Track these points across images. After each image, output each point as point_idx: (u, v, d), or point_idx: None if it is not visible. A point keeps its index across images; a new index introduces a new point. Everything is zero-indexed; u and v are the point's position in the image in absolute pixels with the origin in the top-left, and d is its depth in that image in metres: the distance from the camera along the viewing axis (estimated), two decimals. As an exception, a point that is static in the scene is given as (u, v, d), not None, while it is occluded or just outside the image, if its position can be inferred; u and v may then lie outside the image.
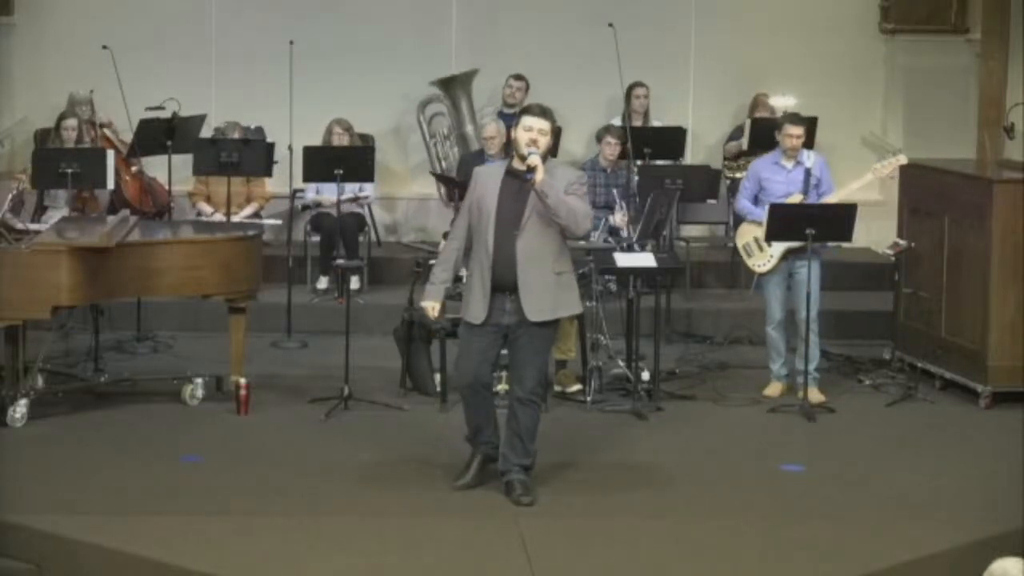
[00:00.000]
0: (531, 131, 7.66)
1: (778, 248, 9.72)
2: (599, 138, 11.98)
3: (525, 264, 7.60)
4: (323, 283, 11.91)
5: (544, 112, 7.75)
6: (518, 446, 7.75)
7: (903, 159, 9.92)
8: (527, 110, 7.82)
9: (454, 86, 12.82)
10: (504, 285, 7.63)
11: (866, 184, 10.02)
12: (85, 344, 10.15)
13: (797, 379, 9.70)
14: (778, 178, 9.87)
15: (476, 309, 7.67)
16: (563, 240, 7.72)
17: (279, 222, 11.95)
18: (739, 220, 12.25)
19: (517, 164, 7.71)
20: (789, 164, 9.89)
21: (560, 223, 7.61)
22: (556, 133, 12.14)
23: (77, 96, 12.24)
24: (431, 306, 7.87)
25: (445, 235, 10.22)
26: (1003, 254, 9.68)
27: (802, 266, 9.61)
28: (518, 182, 7.67)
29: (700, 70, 13.22)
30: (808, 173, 9.82)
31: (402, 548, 7.08)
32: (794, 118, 10.05)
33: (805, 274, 9.60)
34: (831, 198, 9.76)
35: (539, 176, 7.53)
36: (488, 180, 7.78)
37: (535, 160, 7.57)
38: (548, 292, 7.66)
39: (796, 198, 9.77)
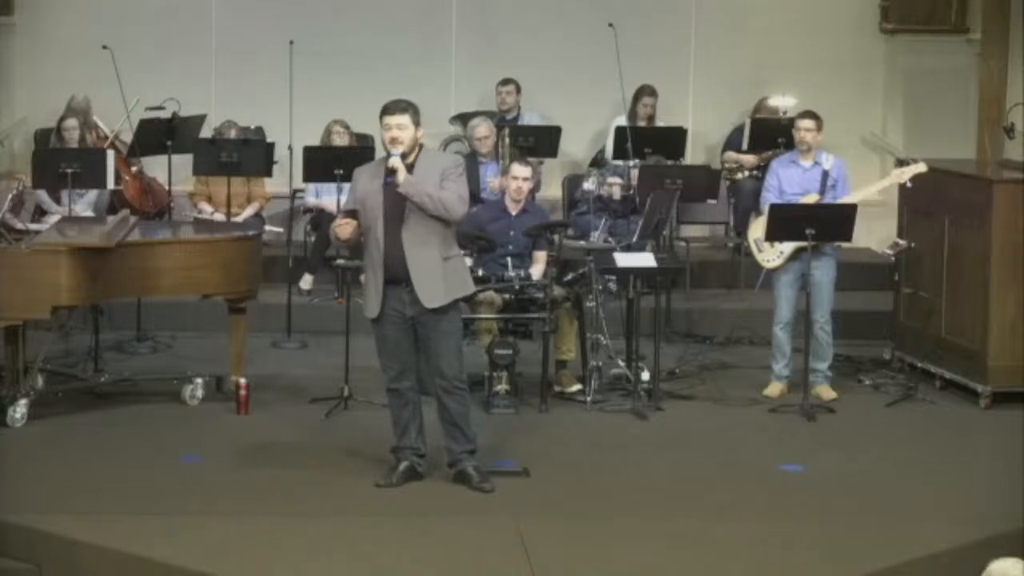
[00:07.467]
0: (390, 130, 7.72)
1: (789, 245, 9.70)
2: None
3: (413, 253, 7.70)
4: (307, 282, 11.74)
5: (403, 108, 7.71)
6: (458, 435, 7.89)
7: (923, 167, 9.89)
8: (385, 109, 7.78)
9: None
10: (397, 277, 7.73)
11: (884, 188, 10.03)
12: (85, 344, 10.15)
13: (809, 377, 9.65)
14: (795, 177, 9.86)
15: (371, 304, 7.80)
16: (447, 226, 7.77)
17: (280, 230, 11.92)
18: (739, 220, 12.31)
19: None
20: (806, 163, 9.87)
21: (433, 215, 7.67)
22: (557, 132, 12.25)
23: (77, 104, 12.18)
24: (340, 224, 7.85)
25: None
26: (1003, 254, 9.67)
27: (816, 267, 9.59)
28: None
29: (700, 70, 13.20)
30: (826, 175, 9.81)
31: (402, 548, 7.08)
32: (805, 112, 10.05)
33: (820, 275, 9.60)
34: (848, 200, 9.74)
35: (400, 177, 7.63)
36: (370, 180, 7.82)
37: (394, 162, 7.64)
38: (439, 278, 7.74)
39: (812, 198, 9.76)
